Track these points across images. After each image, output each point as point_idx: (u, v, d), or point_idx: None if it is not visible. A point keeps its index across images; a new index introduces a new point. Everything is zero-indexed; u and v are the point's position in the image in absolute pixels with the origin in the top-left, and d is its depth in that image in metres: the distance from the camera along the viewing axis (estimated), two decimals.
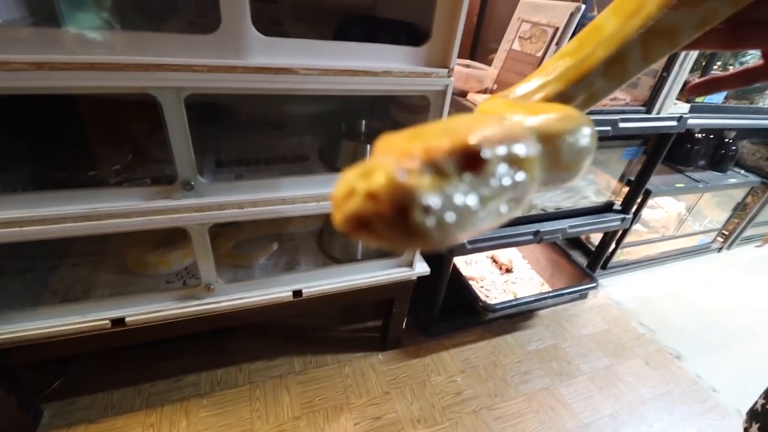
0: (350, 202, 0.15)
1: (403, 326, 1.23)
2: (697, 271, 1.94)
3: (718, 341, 1.55)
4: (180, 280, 0.94)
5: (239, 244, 1.06)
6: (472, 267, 1.58)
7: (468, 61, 1.10)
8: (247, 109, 1.09)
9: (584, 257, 1.80)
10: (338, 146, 0.96)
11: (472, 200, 0.17)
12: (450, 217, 0.15)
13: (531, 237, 1.25)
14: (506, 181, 0.18)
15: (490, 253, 1.61)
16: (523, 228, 1.23)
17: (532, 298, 1.29)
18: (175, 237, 0.94)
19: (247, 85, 0.65)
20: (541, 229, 1.24)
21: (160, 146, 0.75)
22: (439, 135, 0.17)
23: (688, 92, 0.36)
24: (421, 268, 1.07)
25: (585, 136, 0.23)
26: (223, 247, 1.00)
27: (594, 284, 1.39)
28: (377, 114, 1.18)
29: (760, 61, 0.32)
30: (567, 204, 1.35)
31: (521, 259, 1.65)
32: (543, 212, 1.29)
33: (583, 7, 0.81)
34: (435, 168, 0.16)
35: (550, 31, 0.84)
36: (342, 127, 1.03)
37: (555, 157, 0.21)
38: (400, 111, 1.08)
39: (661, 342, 1.50)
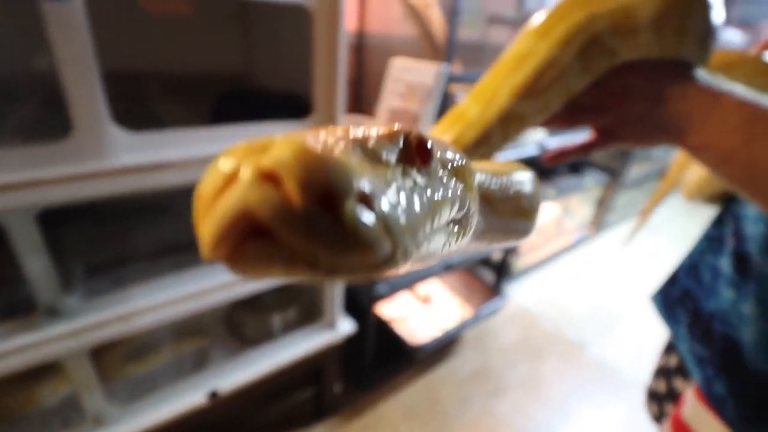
0: (228, 196, 0.09)
1: (337, 390, 1.17)
2: (581, 263, 2.23)
3: (610, 323, 1.78)
4: (58, 417, 0.77)
5: (134, 349, 0.91)
6: (393, 306, 1.59)
7: (355, 117, 1.14)
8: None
9: (492, 271, 1.95)
10: None
11: (420, 200, 0.12)
12: (399, 216, 0.11)
13: (442, 267, 1.31)
14: (450, 185, 0.15)
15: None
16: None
17: (455, 329, 1.34)
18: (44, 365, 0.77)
19: (114, 189, 0.58)
20: (452, 259, 1.31)
21: (7, 264, 0.62)
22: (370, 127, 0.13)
23: (545, 162, 0.43)
24: (346, 326, 1.04)
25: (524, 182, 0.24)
26: (111, 361, 0.85)
27: (503, 300, 1.50)
28: None
29: (593, 136, 0.39)
30: None
31: (438, 286, 1.72)
32: None
33: (446, 66, 0.90)
34: (369, 153, 0.11)
35: (423, 89, 0.92)
36: None
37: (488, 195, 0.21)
38: None
39: (566, 336, 1.68)
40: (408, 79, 0.97)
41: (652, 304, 0.72)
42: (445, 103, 0.95)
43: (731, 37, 3.16)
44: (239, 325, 1.00)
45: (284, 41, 0.84)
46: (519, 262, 1.93)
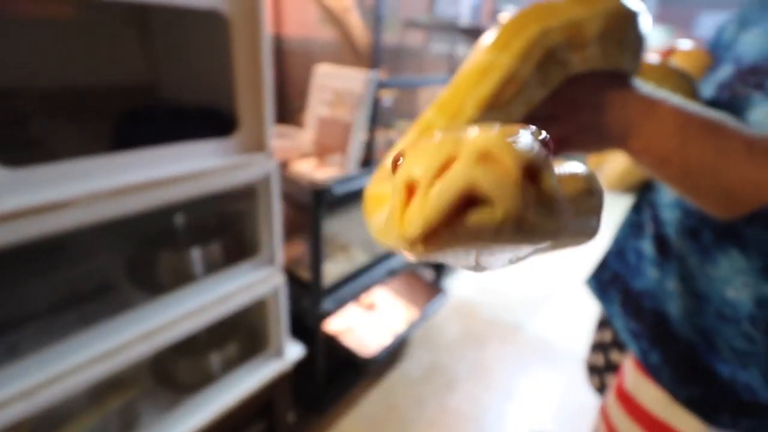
0: (452, 175, 0.11)
1: (291, 419, 1.10)
2: None
3: (541, 301, 1.93)
4: None
5: (41, 423, 0.75)
6: (339, 318, 1.54)
7: (281, 128, 1.07)
8: None
9: (431, 269, 1.99)
10: (154, 259, 0.78)
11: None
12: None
13: (386, 274, 1.30)
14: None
15: None
16: (379, 268, 1.27)
17: (404, 333, 1.34)
18: None
19: None
20: (393, 265, 1.31)
21: None
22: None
23: None
24: (294, 351, 0.98)
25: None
26: None
27: (445, 296, 1.54)
28: (201, 202, 1.03)
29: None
30: None
31: (381, 291, 1.71)
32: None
33: (375, 73, 0.88)
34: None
35: (352, 98, 0.89)
36: (153, 230, 0.85)
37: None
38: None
39: (504, 319, 1.78)
40: (334, 86, 0.93)
41: (587, 287, 0.78)
42: (376, 110, 0.93)
43: None
44: (171, 373, 0.88)
45: (198, 49, 0.75)
46: None
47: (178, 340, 0.71)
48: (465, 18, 1.84)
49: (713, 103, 0.53)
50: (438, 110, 0.32)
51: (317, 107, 0.97)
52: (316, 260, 0.99)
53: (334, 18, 1.05)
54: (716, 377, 0.55)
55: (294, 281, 1.12)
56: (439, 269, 1.81)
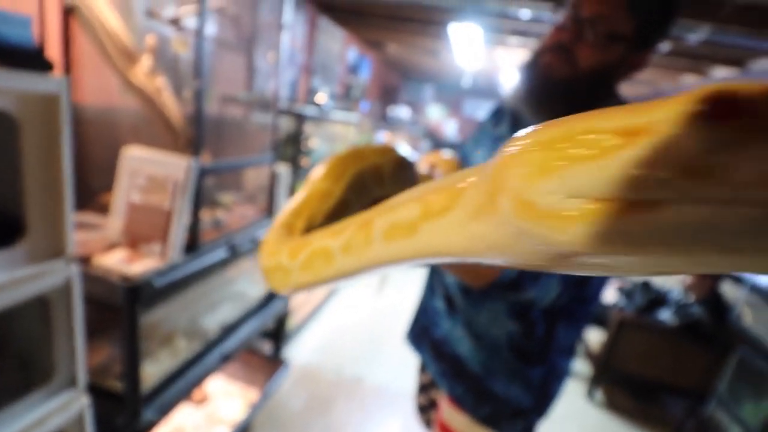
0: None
1: None
2: (345, 303, 2.50)
3: (374, 349, 2.08)
4: None
5: None
6: (164, 422, 1.32)
7: (80, 215, 0.92)
8: None
9: (269, 340, 1.92)
10: None
11: None
12: None
13: (220, 360, 1.21)
14: None
15: None
16: (210, 355, 1.17)
17: (244, 421, 1.25)
18: None
19: None
20: (228, 348, 1.23)
21: None
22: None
23: None
24: None
25: None
26: None
27: (287, 368, 1.52)
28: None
29: None
30: (236, 312, 1.39)
31: (214, 380, 1.55)
32: (222, 330, 1.28)
33: (197, 160, 0.88)
34: None
35: (171, 185, 0.86)
36: None
37: None
38: None
39: (347, 374, 1.85)
40: (150, 171, 0.88)
41: (406, 341, 0.93)
42: (199, 193, 0.92)
43: (402, 113, 4.48)
44: None
45: None
46: (291, 321, 1.99)
47: None
48: (283, 92, 1.98)
49: None
50: (294, 216, 0.41)
51: (128, 193, 0.89)
52: (132, 367, 0.86)
53: (147, 99, 1.01)
54: (497, 396, 0.74)
55: (100, 395, 0.93)
56: (278, 338, 1.77)
